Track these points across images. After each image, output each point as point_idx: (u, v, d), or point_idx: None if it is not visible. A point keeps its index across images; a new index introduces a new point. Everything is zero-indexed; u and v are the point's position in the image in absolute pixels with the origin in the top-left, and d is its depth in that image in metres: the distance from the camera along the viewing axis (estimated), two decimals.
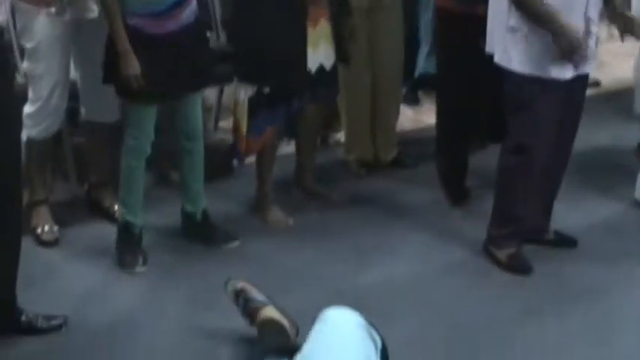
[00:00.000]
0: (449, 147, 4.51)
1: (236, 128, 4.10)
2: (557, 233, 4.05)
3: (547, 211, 3.99)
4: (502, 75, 3.62)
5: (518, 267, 3.82)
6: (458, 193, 4.48)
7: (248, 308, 3.19)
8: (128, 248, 3.82)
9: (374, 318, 3.09)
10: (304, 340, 3.06)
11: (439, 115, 4.57)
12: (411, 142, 5.12)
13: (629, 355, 3.27)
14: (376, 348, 2.79)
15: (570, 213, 4.22)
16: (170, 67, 3.59)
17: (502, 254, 3.84)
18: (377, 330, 2.83)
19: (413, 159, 4.89)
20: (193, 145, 3.90)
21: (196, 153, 3.93)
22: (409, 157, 4.90)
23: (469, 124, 4.41)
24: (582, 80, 3.66)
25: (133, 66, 3.47)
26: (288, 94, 4.00)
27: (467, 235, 4.07)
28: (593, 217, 4.33)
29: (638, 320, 3.49)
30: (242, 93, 3.97)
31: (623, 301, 3.60)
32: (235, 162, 4.61)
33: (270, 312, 3.15)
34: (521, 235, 3.88)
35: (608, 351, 3.26)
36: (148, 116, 3.69)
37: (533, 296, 3.66)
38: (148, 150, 3.75)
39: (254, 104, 3.95)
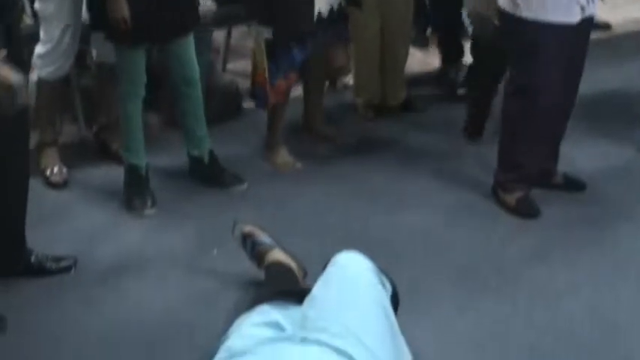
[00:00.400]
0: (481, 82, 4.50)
1: (254, 74, 4.06)
2: (565, 177, 4.03)
3: (554, 155, 3.98)
4: (506, 20, 3.58)
5: (527, 211, 3.81)
6: (476, 130, 4.48)
7: (255, 251, 3.19)
8: (136, 191, 3.83)
9: (383, 261, 3.10)
10: (312, 283, 3.07)
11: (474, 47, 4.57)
12: (420, 84, 5.06)
13: (636, 299, 3.26)
14: (387, 294, 2.79)
15: (578, 157, 4.21)
16: (155, 10, 3.57)
17: (510, 198, 3.84)
18: (388, 276, 2.82)
19: (422, 102, 4.85)
20: (191, 90, 3.90)
21: (195, 98, 3.92)
22: (418, 100, 4.86)
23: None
24: (587, 22, 3.59)
25: (121, 9, 3.46)
26: (300, 37, 3.94)
27: (476, 178, 4.06)
28: (601, 161, 4.30)
29: None
30: (259, 36, 3.91)
31: (631, 246, 3.59)
32: (244, 104, 4.59)
33: (277, 255, 3.16)
34: (528, 179, 3.86)
35: (615, 295, 3.25)
36: (138, 59, 3.68)
37: (541, 240, 3.65)
38: (142, 92, 3.75)
39: (272, 48, 3.91)
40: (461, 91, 4.96)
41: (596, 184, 4.05)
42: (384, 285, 2.78)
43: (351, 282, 2.75)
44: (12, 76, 3.07)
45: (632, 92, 4.92)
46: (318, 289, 2.75)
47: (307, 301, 2.75)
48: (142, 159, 3.81)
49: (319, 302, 2.73)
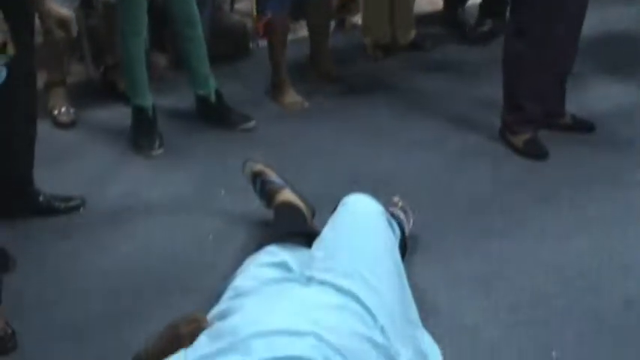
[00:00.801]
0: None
1: None
2: (573, 118, 3.99)
3: (560, 96, 3.94)
4: None
5: (535, 152, 3.79)
6: None
7: (265, 190, 3.18)
8: (143, 132, 3.83)
9: (386, 199, 3.12)
10: (321, 224, 3.06)
11: None
12: (430, 24, 5.00)
13: None
14: (396, 239, 2.78)
15: (587, 98, 4.18)
16: None
17: (518, 140, 3.81)
18: (398, 221, 2.81)
19: (431, 42, 4.79)
20: (193, 31, 3.88)
21: (197, 38, 3.90)
22: (427, 40, 4.80)
23: None
24: None
25: None
26: None
27: (483, 120, 4.03)
28: (610, 102, 4.26)
29: None
30: None
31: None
32: (252, 44, 4.55)
33: (287, 195, 3.15)
34: (535, 120, 3.84)
35: (624, 235, 3.23)
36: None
37: (549, 181, 3.63)
38: (143, 32, 3.74)
39: None
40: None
41: (605, 125, 4.00)
42: (393, 230, 2.77)
43: (360, 224, 2.76)
44: (63, 10, 3.06)
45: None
46: (327, 231, 2.76)
47: (316, 242, 2.75)
48: (148, 100, 3.80)
49: (328, 244, 2.74)
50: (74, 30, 3.33)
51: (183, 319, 2.37)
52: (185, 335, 2.33)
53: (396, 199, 3.20)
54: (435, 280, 2.95)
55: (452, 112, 4.16)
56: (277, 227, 3.02)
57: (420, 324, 2.65)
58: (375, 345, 2.36)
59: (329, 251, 2.70)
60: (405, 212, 3.16)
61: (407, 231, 3.09)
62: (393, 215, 2.88)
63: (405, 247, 2.85)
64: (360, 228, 2.75)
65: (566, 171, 3.69)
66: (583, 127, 3.98)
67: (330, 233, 2.75)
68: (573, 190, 3.55)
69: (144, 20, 3.68)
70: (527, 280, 3.00)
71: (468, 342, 2.73)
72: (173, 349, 2.30)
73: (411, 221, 3.16)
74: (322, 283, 2.54)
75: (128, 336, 2.66)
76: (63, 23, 3.08)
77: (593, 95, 4.27)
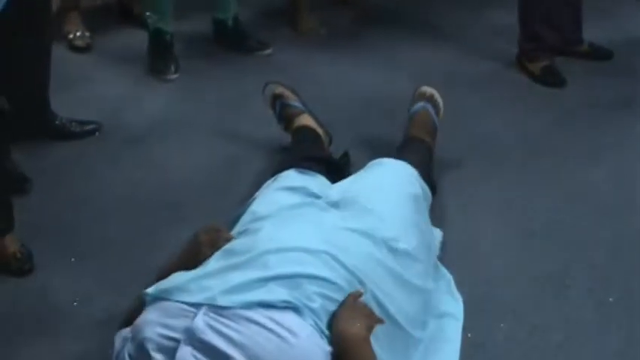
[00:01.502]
0: None
1: None
2: (591, 45, 3.96)
3: (577, 23, 3.89)
4: None
5: (552, 79, 3.77)
6: None
7: (284, 113, 3.17)
8: (160, 55, 3.80)
9: (401, 126, 3.13)
10: (337, 150, 3.05)
11: None
12: None
13: None
14: (426, 203, 2.78)
15: (604, 25, 4.14)
16: None
17: (535, 67, 3.80)
18: (430, 183, 2.82)
19: None
20: None
21: None
22: None
23: None
24: None
25: None
26: None
27: (499, 48, 4.01)
28: (626, 28, 4.23)
29: None
30: None
31: None
32: None
33: (305, 119, 3.14)
34: (552, 48, 3.80)
35: (639, 164, 3.23)
36: None
37: (566, 109, 3.61)
38: None
39: None
40: None
41: (623, 53, 3.97)
42: (424, 191, 2.77)
43: (389, 175, 2.77)
44: None
45: None
46: (353, 175, 2.80)
47: (340, 182, 2.79)
48: (168, 24, 3.76)
49: (350, 181, 2.77)
50: None
51: (204, 227, 2.40)
52: (205, 242, 2.36)
53: (423, 89, 3.18)
54: (451, 206, 2.96)
55: (467, 39, 4.15)
56: (295, 151, 3.02)
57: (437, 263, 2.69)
58: (388, 270, 2.37)
59: (349, 185, 2.75)
60: (434, 105, 3.15)
61: (437, 123, 3.12)
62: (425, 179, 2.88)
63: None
64: (389, 177, 2.76)
65: (582, 99, 3.67)
66: (601, 54, 3.95)
67: (355, 177, 2.79)
68: (590, 118, 3.54)
69: None
70: (542, 208, 3.01)
71: (481, 268, 2.74)
72: (193, 258, 2.33)
73: (441, 112, 3.16)
74: (339, 208, 2.55)
75: (143, 259, 2.69)
76: None
77: (612, 23, 4.22)
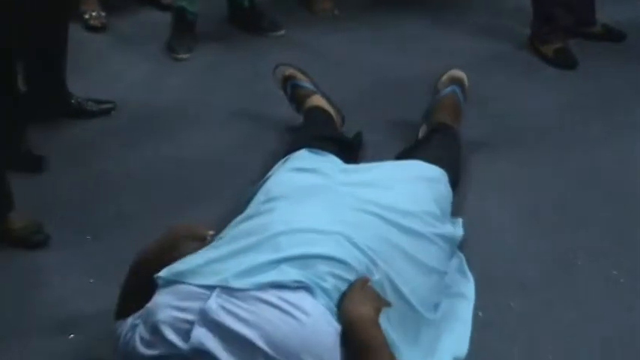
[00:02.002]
0: None
1: None
2: (605, 26, 3.96)
3: (590, 4, 3.88)
4: None
5: (564, 61, 3.76)
6: None
7: (296, 94, 3.17)
8: (179, 34, 3.81)
9: (418, 109, 3.12)
10: (349, 130, 3.05)
11: None
12: None
13: None
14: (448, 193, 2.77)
15: (618, 7, 4.11)
16: None
17: (548, 49, 3.79)
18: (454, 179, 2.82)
19: None
20: None
21: None
22: None
23: None
24: None
25: None
26: None
27: (512, 29, 4.01)
28: None
29: None
30: None
31: None
32: None
33: (317, 100, 3.14)
34: (565, 29, 3.80)
35: None
36: None
37: (578, 91, 3.61)
38: None
39: None
40: None
41: (637, 35, 3.96)
42: (446, 190, 2.75)
43: (413, 165, 2.76)
44: None
45: None
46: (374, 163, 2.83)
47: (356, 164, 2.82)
48: (194, 3, 3.76)
49: (368, 165, 2.80)
50: None
51: (188, 225, 2.41)
52: (183, 241, 2.36)
53: (454, 72, 3.18)
54: (463, 185, 2.94)
55: (480, 21, 4.14)
56: (307, 131, 3.02)
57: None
58: (402, 250, 2.37)
59: (367, 166, 2.78)
60: (463, 90, 3.16)
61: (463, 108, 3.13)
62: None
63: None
64: (408, 166, 2.77)
65: (595, 81, 3.67)
66: (614, 36, 3.95)
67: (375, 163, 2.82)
68: (602, 100, 3.55)
69: None
70: (552, 188, 3.02)
71: (491, 246, 2.75)
72: (169, 251, 2.33)
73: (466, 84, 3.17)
74: (351, 187, 2.55)
75: (157, 236, 2.65)
76: None
77: (626, 5, 4.19)
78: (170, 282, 2.19)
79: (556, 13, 3.72)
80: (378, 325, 2.10)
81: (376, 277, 2.23)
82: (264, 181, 2.68)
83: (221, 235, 2.44)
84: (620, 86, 3.60)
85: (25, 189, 2.81)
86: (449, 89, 3.12)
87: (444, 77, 3.16)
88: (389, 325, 2.20)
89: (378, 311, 2.11)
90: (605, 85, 3.61)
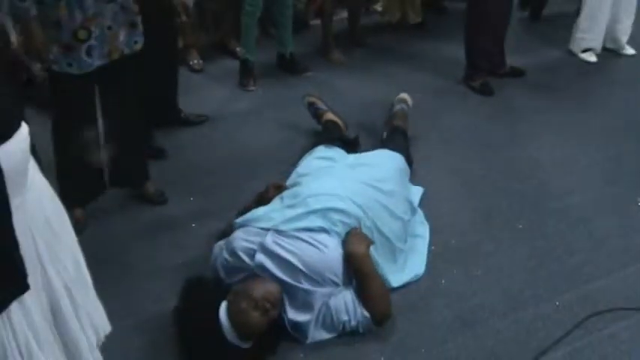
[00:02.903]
0: None
1: None
2: (511, 67, 3.90)
3: (501, 51, 3.81)
4: None
5: (486, 91, 3.70)
6: None
7: (317, 113, 3.17)
8: (245, 75, 3.77)
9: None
10: (351, 133, 3.05)
11: None
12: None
13: (552, 142, 3.21)
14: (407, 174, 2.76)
15: (520, 57, 4.02)
16: None
17: (475, 83, 3.73)
18: (408, 159, 2.78)
19: (429, 24, 4.61)
20: (287, 11, 3.77)
21: (288, 16, 3.80)
22: (427, 22, 4.62)
23: None
24: None
25: None
26: None
27: (452, 70, 3.90)
28: (536, 58, 4.11)
29: (560, 127, 3.39)
30: None
31: (554, 115, 3.50)
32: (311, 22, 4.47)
33: (330, 115, 3.14)
34: (486, 69, 3.73)
35: (551, 143, 3.22)
36: None
37: (495, 109, 3.56)
38: (259, 13, 3.62)
39: None
40: None
41: (533, 75, 3.91)
42: (406, 167, 2.74)
43: (386, 154, 2.73)
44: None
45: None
46: (364, 153, 2.80)
47: (354, 154, 2.78)
48: (253, 55, 3.73)
49: (361, 154, 2.78)
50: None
51: (271, 182, 2.44)
52: (271, 191, 2.39)
53: (402, 95, 3.18)
54: (420, 171, 2.91)
55: (433, 64, 4.04)
56: (324, 135, 3.02)
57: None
58: (383, 206, 2.39)
59: (360, 155, 2.76)
60: (407, 105, 3.14)
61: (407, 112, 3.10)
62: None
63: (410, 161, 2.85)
64: (384, 152, 2.75)
65: (506, 103, 3.62)
66: (517, 73, 3.88)
67: (365, 153, 2.79)
68: (510, 114, 3.50)
69: (260, 5, 3.56)
70: (478, 171, 2.97)
71: (438, 207, 2.72)
72: (264, 200, 2.37)
73: (410, 107, 3.14)
74: (353, 168, 2.57)
75: (234, 199, 2.68)
76: (185, 7, 3.02)
77: (524, 53, 4.11)
78: (242, 225, 2.25)
79: (480, 62, 3.68)
80: (368, 256, 2.13)
81: (367, 223, 2.25)
82: (298, 165, 2.71)
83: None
84: (522, 108, 3.55)
85: (154, 168, 2.84)
86: (399, 106, 3.11)
87: (397, 97, 3.16)
88: (376, 253, 2.23)
89: (367, 247, 2.14)
90: (512, 107, 3.57)
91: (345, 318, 2.07)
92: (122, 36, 2.32)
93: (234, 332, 1.94)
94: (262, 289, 1.99)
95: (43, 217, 1.38)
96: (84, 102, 2.40)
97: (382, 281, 2.16)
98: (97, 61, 2.29)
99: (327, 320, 2.06)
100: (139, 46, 2.40)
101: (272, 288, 2.01)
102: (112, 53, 2.32)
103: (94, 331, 1.57)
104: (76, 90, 2.33)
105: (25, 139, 1.31)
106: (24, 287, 1.27)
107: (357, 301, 2.08)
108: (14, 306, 1.28)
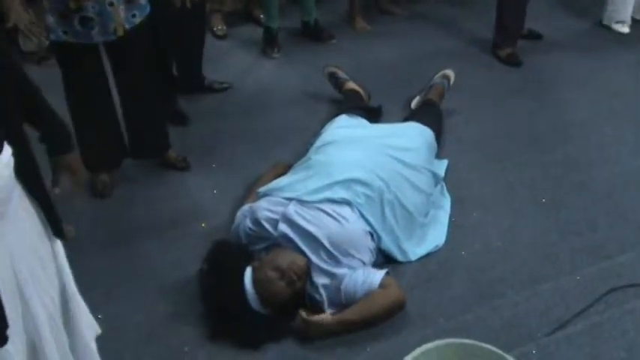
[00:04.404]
0: None
1: None
2: (529, 30, 3.79)
3: (523, 14, 3.67)
4: None
5: (514, 62, 3.62)
6: None
7: (337, 82, 3.15)
8: (269, 43, 3.75)
9: (410, 87, 3.08)
10: (374, 103, 3.03)
11: None
12: None
13: (581, 114, 3.17)
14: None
15: (549, 28, 3.91)
16: None
17: (503, 52, 3.65)
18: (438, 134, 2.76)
19: None
20: None
21: None
22: None
23: None
24: None
25: None
26: None
27: (480, 36, 3.84)
28: (567, 31, 3.98)
29: (589, 100, 3.32)
30: None
31: (583, 87, 3.41)
32: None
33: (351, 84, 3.12)
34: (516, 36, 3.65)
35: (568, 113, 3.18)
36: None
37: (524, 80, 3.49)
38: None
39: None
40: None
41: (562, 44, 3.80)
42: (434, 142, 2.69)
43: (413, 126, 2.70)
44: None
45: None
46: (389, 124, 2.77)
47: (377, 124, 2.77)
48: (276, 23, 3.71)
49: (386, 125, 2.76)
50: None
51: (276, 162, 2.51)
52: (277, 170, 2.48)
53: (446, 71, 3.09)
54: (446, 142, 2.89)
55: (460, 33, 3.95)
56: (346, 104, 3.01)
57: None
58: (405, 178, 2.38)
59: (385, 125, 2.74)
60: (449, 82, 3.07)
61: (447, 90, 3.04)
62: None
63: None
64: (411, 124, 2.72)
65: (534, 73, 3.53)
66: (534, 36, 3.82)
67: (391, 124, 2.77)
68: (537, 86, 3.42)
69: None
70: (502, 142, 2.95)
71: (462, 179, 2.72)
72: (273, 177, 2.43)
73: (452, 80, 3.08)
74: (375, 138, 2.55)
75: (256, 166, 2.71)
76: None
77: (553, 24, 4.01)
78: (265, 194, 2.27)
79: (510, 26, 3.56)
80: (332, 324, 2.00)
81: (389, 197, 2.24)
82: (321, 133, 2.69)
83: (295, 165, 2.50)
84: (550, 78, 3.47)
85: (177, 135, 2.87)
86: (439, 81, 3.05)
87: (440, 73, 3.08)
88: (396, 225, 2.24)
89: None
90: (540, 78, 3.47)
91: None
92: (122, 12, 2.29)
93: (258, 299, 1.97)
94: (289, 260, 2.02)
95: (27, 246, 1.28)
96: (89, 73, 2.40)
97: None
98: (99, 37, 2.28)
99: (337, 302, 2.06)
100: (137, 20, 2.34)
101: (299, 260, 2.03)
102: (117, 30, 2.29)
103: (84, 345, 1.50)
104: (79, 60, 2.33)
105: (6, 166, 1.19)
106: (3, 340, 1.17)
107: (365, 287, 2.03)
108: None
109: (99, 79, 2.45)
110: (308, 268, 2.04)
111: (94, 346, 1.54)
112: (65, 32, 2.24)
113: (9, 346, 1.20)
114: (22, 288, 1.26)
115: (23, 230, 1.27)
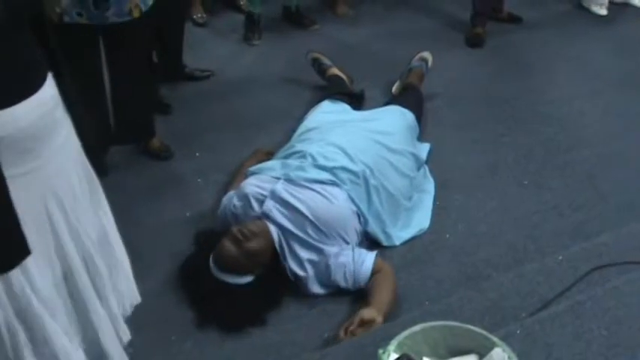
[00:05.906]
0: None
1: None
2: (509, 14, 3.85)
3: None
4: None
5: (473, 42, 3.61)
6: None
7: (321, 68, 3.15)
8: (251, 29, 3.72)
9: (391, 73, 3.05)
10: (356, 87, 3.01)
11: None
12: None
13: (561, 95, 3.18)
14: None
15: (529, 9, 3.95)
16: None
17: (469, 33, 3.64)
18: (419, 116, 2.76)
19: None
20: None
21: None
22: None
23: None
24: None
25: None
26: None
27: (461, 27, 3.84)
28: (546, 12, 4.01)
29: (570, 81, 3.34)
30: None
31: (563, 69, 3.44)
32: None
33: (334, 70, 3.13)
34: (482, 18, 3.66)
35: (548, 94, 3.17)
36: None
37: (505, 63, 3.51)
38: None
39: None
40: None
41: (543, 26, 3.83)
42: (415, 124, 2.71)
43: (395, 109, 2.71)
44: None
45: None
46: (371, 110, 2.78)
47: (359, 111, 2.78)
48: (258, 8, 3.68)
49: (368, 111, 2.76)
50: None
51: (256, 149, 2.54)
52: (259, 156, 2.50)
53: (423, 53, 3.10)
54: (428, 125, 2.89)
55: (445, 19, 3.96)
56: (329, 89, 3.00)
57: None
58: (389, 163, 2.39)
59: (367, 111, 2.75)
60: (427, 65, 3.07)
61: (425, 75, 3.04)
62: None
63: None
64: (393, 108, 2.72)
65: (515, 56, 3.53)
66: (514, 19, 3.84)
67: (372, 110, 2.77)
68: (519, 68, 3.45)
69: None
70: (484, 122, 2.95)
71: (444, 162, 2.71)
72: (254, 160, 2.46)
73: (429, 62, 3.09)
74: (359, 122, 2.56)
75: (240, 154, 2.68)
76: None
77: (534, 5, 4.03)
78: (255, 173, 2.27)
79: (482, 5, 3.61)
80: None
81: (374, 182, 2.25)
82: (305, 119, 2.70)
83: (279, 152, 2.50)
84: (531, 60, 3.47)
85: (159, 123, 2.83)
86: (417, 64, 3.06)
87: (417, 55, 3.10)
88: (382, 210, 2.25)
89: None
90: (521, 61, 3.49)
91: (342, 284, 2.08)
92: None
93: (214, 265, 2.00)
94: (241, 224, 2.05)
95: (66, 184, 1.32)
96: (89, 54, 2.37)
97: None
98: (114, 18, 2.26)
99: (324, 280, 2.08)
100: (151, 1, 2.35)
101: (251, 224, 2.05)
102: (132, 11, 2.28)
103: (119, 302, 1.54)
104: (84, 42, 2.31)
105: (47, 103, 1.22)
106: (25, 253, 1.23)
107: (357, 269, 2.05)
108: (15, 271, 1.25)
109: (96, 67, 2.42)
110: (267, 233, 2.04)
111: (127, 311, 1.59)
112: (79, 14, 2.21)
113: (32, 266, 1.26)
114: (53, 222, 1.31)
115: (63, 168, 1.31)
